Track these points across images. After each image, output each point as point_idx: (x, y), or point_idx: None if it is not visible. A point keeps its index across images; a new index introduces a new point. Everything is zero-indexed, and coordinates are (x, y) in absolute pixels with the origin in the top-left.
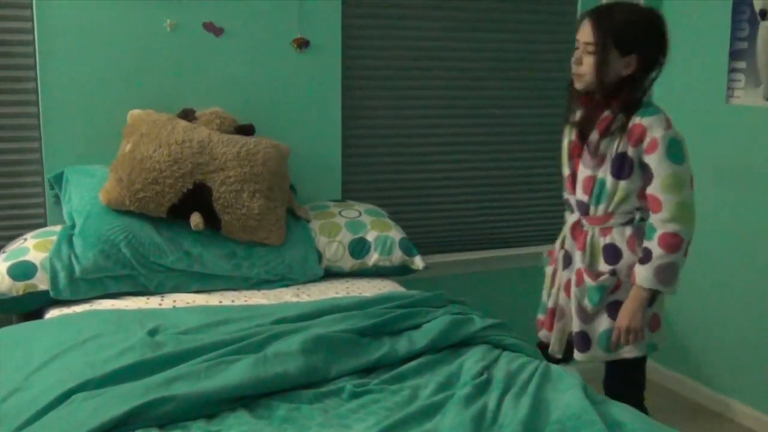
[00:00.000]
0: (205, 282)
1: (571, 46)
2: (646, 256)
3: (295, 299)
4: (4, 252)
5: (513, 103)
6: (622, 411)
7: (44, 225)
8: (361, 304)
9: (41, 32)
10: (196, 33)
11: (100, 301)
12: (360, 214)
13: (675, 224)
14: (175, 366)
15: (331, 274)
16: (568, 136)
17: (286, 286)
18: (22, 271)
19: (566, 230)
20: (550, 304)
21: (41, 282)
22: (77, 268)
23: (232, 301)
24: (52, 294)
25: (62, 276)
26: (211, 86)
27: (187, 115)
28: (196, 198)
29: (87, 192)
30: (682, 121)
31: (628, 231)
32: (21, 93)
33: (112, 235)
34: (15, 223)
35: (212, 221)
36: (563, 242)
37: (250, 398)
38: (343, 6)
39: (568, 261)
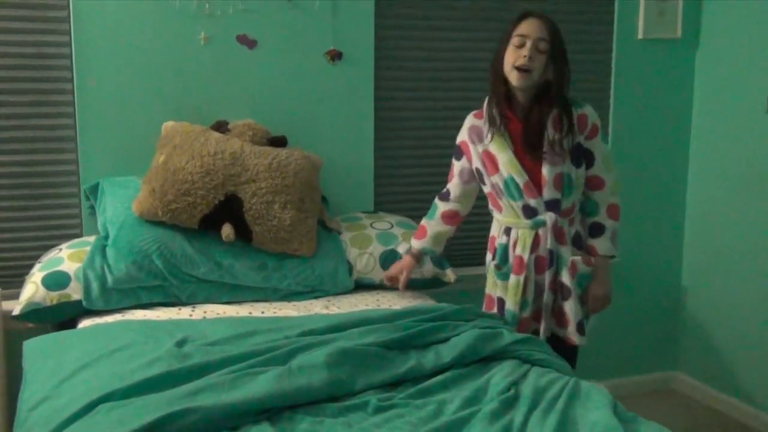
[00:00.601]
0: (235, 293)
1: (608, 57)
2: (598, 230)
3: (324, 311)
4: (39, 262)
5: None
6: (651, 430)
7: (80, 236)
8: (390, 317)
9: (78, 45)
10: (229, 46)
11: (133, 311)
12: (392, 225)
13: (615, 197)
14: (201, 377)
15: (362, 286)
16: (505, 146)
17: (317, 297)
18: (56, 280)
19: (524, 235)
20: (527, 313)
21: (75, 292)
22: (110, 279)
23: (262, 313)
24: (84, 304)
25: (95, 286)
26: (245, 98)
27: (220, 126)
28: (228, 209)
29: (121, 203)
30: (720, 131)
31: (579, 216)
32: (58, 105)
33: (144, 246)
34: (52, 233)
35: (243, 232)
36: (531, 248)
37: (274, 411)
38: (376, 18)
39: (548, 262)
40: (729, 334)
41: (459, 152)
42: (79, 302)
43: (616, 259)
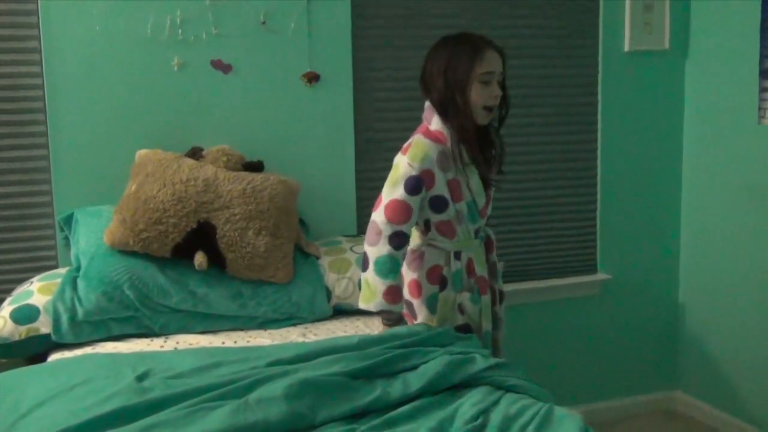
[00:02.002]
0: (210, 322)
1: (594, 71)
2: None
3: (301, 339)
4: (10, 296)
5: (537, 131)
6: None
7: (56, 267)
8: (361, 344)
9: (49, 75)
10: (204, 71)
11: (103, 343)
12: None
13: None
14: (157, 412)
15: (342, 312)
16: (474, 171)
17: (294, 325)
18: (24, 314)
19: (478, 254)
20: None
21: (44, 326)
22: (80, 311)
23: (235, 342)
24: (54, 337)
25: (65, 319)
26: (221, 124)
27: (195, 153)
28: (201, 237)
29: (93, 233)
30: (713, 142)
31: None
32: (31, 136)
33: (115, 277)
34: (27, 265)
35: (217, 260)
36: (475, 267)
37: None
38: (353, 38)
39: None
40: (729, 350)
41: (418, 184)
42: (48, 336)
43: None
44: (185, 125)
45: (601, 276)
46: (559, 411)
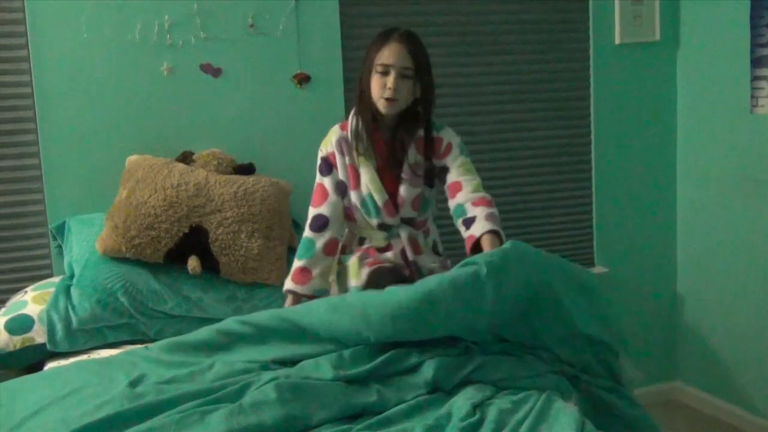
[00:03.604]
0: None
1: (586, 64)
2: (470, 221)
3: None
4: (5, 307)
5: (531, 126)
6: None
7: (51, 276)
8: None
9: (39, 83)
10: (193, 75)
11: (99, 351)
12: None
13: (480, 193)
14: (150, 418)
15: None
16: (369, 164)
17: None
18: (19, 324)
19: (378, 241)
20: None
21: (38, 335)
22: (74, 320)
23: None
24: (49, 347)
25: (59, 328)
26: (212, 127)
27: (186, 157)
28: (194, 241)
29: (86, 241)
30: (706, 133)
31: (434, 225)
32: (22, 145)
33: (108, 284)
34: (21, 275)
35: (211, 264)
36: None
37: None
38: (343, 38)
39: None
40: (728, 340)
41: (328, 165)
42: (43, 345)
43: (502, 233)
44: (176, 130)
45: (598, 269)
46: (557, 405)
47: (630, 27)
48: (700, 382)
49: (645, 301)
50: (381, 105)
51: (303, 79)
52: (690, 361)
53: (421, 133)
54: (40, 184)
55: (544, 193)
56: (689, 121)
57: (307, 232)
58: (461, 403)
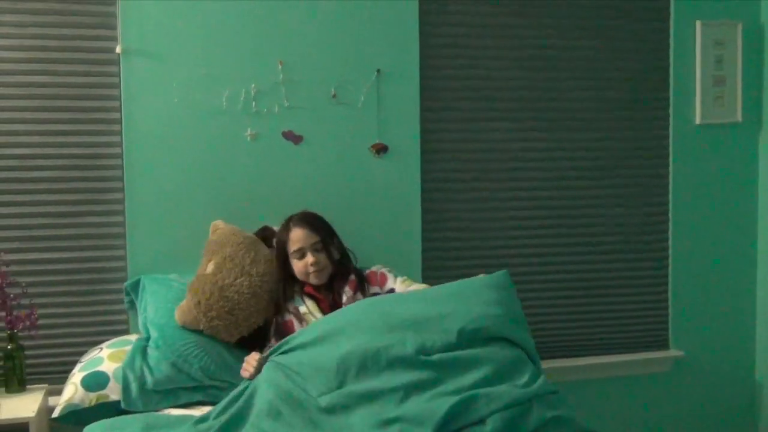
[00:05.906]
0: None
1: (665, 143)
2: None
3: None
4: (81, 361)
5: (608, 202)
6: None
7: (127, 332)
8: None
9: (128, 145)
10: (276, 141)
11: (171, 410)
12: None
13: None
14: None
15: None
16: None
17: None
18: (95, 381)
19: None
20: None
21: (113, 392)
22: (149, 380)
23: None
24: (123, 405)
25: (134, 387)
26: (292, 193)
27: (267, 237)
28: (265, 333)
29: (163, 304)
30: None
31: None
32: (108, 203)
33: (185, 350)
34: (100, 329)
35: None
36: None
37: None
38: (422, 110)
39: None
40: None
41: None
42: (118, 403)
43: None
44: (257, 195)
45: (673, 352)
46: None
47: (711, 108)
48: None
49: (722, 388)
50: (312, 278)
51: (381, 149)
52: None
53: (351, 278)
54: (123, 241)
55: (619, 271)
56: None
57: None
58: None
